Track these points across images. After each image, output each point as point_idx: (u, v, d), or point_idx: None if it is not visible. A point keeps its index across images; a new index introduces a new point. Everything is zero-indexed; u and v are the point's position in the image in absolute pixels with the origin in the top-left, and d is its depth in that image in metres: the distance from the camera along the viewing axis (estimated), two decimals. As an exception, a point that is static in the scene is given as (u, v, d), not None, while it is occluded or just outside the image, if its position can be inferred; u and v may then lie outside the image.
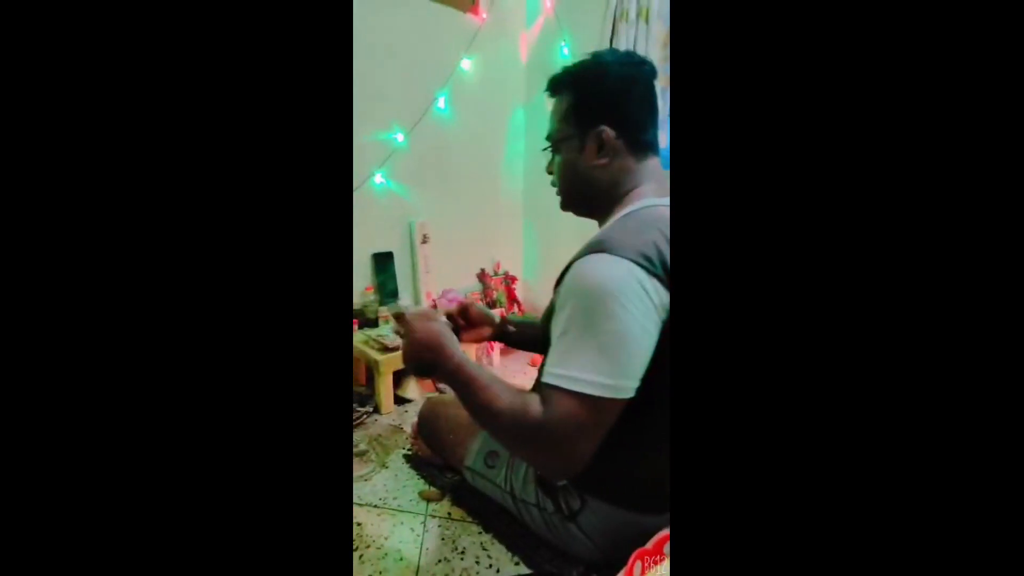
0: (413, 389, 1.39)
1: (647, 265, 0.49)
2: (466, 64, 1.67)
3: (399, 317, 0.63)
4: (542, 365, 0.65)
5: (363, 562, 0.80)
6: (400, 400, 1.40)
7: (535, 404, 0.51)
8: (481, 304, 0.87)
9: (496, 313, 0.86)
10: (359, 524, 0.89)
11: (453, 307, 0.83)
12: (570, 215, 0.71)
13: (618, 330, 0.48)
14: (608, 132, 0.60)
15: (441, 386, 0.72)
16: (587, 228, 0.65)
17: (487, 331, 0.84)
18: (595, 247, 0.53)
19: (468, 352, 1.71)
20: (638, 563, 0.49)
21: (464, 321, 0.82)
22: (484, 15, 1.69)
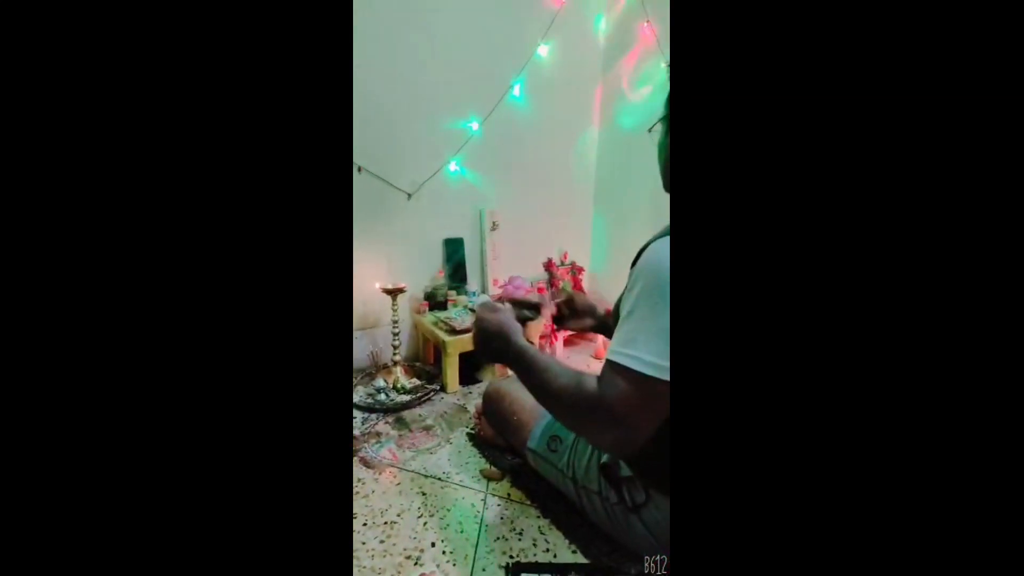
0: (490, 373, 1.54)
1: None
2: (543, 50, 1.66)
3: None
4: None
5: (427, 529, 0.84)
6: (467, 381, 1.45)
7: (591, 382, 0.55)
8: (585, 295, 0.94)
9: (602, 307, 0.91)
10: (424, 494, 0.94)
11: (528, 294, 0.86)
12: (638, 207, 0.71)
13: None
14: None
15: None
16: (656, 221, 0.62)
17: (589, 322, 0.90)
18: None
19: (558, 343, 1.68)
20: None
21: (568, 310, 0.90)
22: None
